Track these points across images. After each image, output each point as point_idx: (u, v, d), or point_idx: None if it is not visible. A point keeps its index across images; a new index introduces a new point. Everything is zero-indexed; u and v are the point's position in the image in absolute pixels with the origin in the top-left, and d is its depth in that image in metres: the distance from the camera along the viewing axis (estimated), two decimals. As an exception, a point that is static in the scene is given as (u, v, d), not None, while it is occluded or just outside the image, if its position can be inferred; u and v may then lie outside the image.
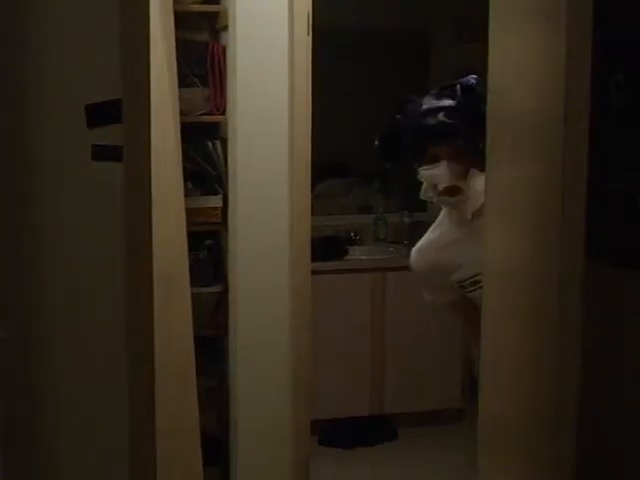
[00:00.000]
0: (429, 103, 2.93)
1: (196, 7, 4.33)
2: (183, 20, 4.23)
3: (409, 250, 5.85)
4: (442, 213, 3.25)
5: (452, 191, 2.96)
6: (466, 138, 2.88)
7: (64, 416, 2.51)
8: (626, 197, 2.68)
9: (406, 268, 5.73)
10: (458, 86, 2.97)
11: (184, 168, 4.04)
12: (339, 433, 5.50)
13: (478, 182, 2.87)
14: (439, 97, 2.94)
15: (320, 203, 5.44)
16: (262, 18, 4.04)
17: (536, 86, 2.90)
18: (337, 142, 6.05)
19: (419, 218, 6.12)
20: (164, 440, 2.89)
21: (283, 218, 4.09)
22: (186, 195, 4.07)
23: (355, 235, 6.03)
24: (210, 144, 4.44)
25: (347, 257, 5.69)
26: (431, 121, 2.88)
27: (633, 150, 2.63)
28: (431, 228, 3.31)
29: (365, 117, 6.31)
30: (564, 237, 2.75)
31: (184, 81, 4.21)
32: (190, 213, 4.09)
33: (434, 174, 2.93)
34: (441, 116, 2.87)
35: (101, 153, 2.36)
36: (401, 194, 6.33)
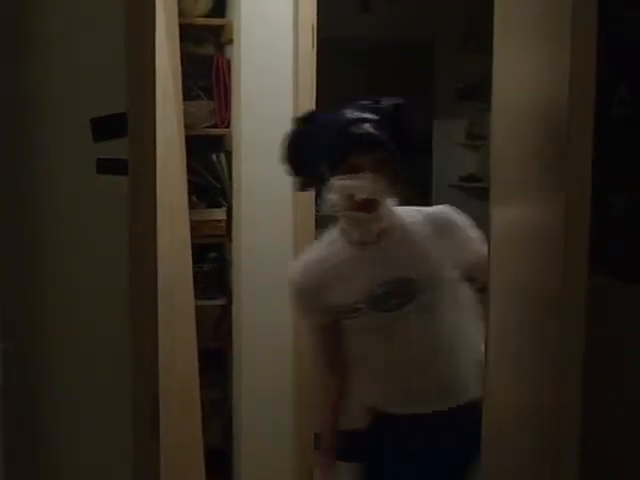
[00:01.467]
0: (352, 114, 2.78)
1: (201, 20, 4.34)
2: (188, 33, 4.24)
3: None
4: (335, 231, 2.94)
5: (370, 205, 2.74)
6: (390, 154, 2.78)
7: (66, 430, 2.51)
8: (628, 209, 2.69)
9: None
10: (384, 102, 2.90)
11: (188, 181, 4.05)
12: (343, 445, 5.47)
13: (389, 202, 2.85)
14: (362, 110, 2.82)
15: (325, 215, 5.45)
16: (267, 31, 4.06)
17: (539, 99, 2.91)
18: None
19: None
20: (168, 452, 2.89)
21: (287, 230, 4.10)
22: (190, 208, 4.08)
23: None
24: (214, 157, 4.45)
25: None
26: (356, 130, 2.72)
27: (635, 163, 2.64)
28: (320, 244, 3.01)
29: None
30: (567, 252, 2.75)
31: (189, 94, 4.22)
32: (194, 226, 4.09)
33: (354, 184, 2.70)
34: (367, 126, 2.73)
35: (106, 166, 2.37)
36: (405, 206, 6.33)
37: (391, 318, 2.79)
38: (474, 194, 6.26)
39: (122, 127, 2.34)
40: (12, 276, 2.36)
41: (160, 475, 2.77)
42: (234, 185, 4.29)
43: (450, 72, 6.29)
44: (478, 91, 6.15)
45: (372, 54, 6.20)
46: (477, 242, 2.88)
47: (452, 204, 6.33)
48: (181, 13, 4.06)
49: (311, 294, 2.91)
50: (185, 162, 4.00)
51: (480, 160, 6.35)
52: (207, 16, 4.37)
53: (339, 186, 2.72)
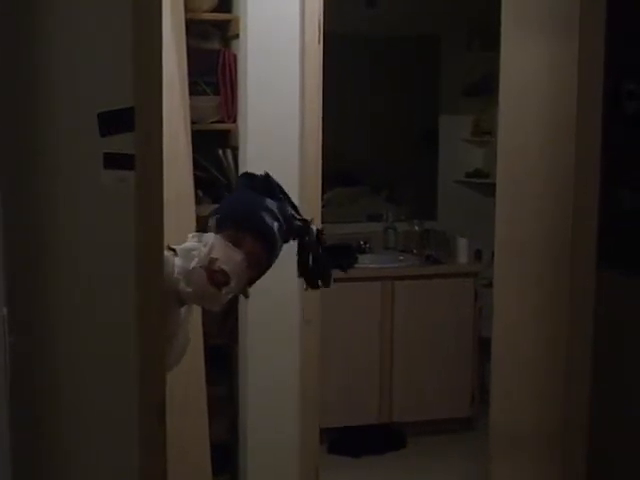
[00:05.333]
0: (272, 204, 2.62)
1: (207, 15, 4.33)
2: (194, 28, 4.23)
3: (419, 259, 5.90)
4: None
5: (223, 278, 2.52)
6: (269, 261, 2.66)
7: (72, 426, 2.51)
8: (637, 205, 2.68)
9: (416, 277, 5.78)
10: (299, 223, 2.72)
11: (195, 176, 4.04)
12: (348, 441, 5.48)
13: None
14: (282, 210, 2.65)
15: (330, 211, 5.44)
16: (273, 26, 4.05)
17: (548, 95, 2.90)
18: (346, 150, 6.04)
19: (429, 226, 6.13)
20: (174, 448, 2.89)
21: (293, 226, 4.09)
22: (197, 203, 4.07)
23: (365, 243, 6.02)
24: (221, 152, 4.44)
25: (357, 265, 5.68)
26: (268, 220, 2.57)
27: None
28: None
29: (375, 126, 6.32)
30: (576, 250, 2.75)
31: (195, 89, 4.21)
32: (201, 221, 4.09)
33: (231, 254, 2.51)
34: (277, 225, 2.58)
35: (113, 161, 2.36)
36: (411, 203, 6.33)
37: None
38: (480, 190, 6.25)
39: (129, 122, 2.33)
40: (17, 272, 2.35)
41: (167, 471, 2.77)
42: (240, 180, 4.28)
43: (456, 68, 6.27)
44: (484, 87, 6.13)
45: (377, 49, 6.18)
46: None
47: (458, 200, 6.36)
48: (187, 8, 4.06)
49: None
50: (191, 157, 3.99)
51: (486, 156, 6.34)
52: (213, 11, 4.36)
53: (218, 245, 2.53)
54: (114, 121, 2.33)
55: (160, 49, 2.59)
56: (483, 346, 5.32)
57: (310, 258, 2.69)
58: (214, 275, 2.46)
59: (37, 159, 2.30)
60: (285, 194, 2.67)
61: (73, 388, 2.47)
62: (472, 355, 5.70)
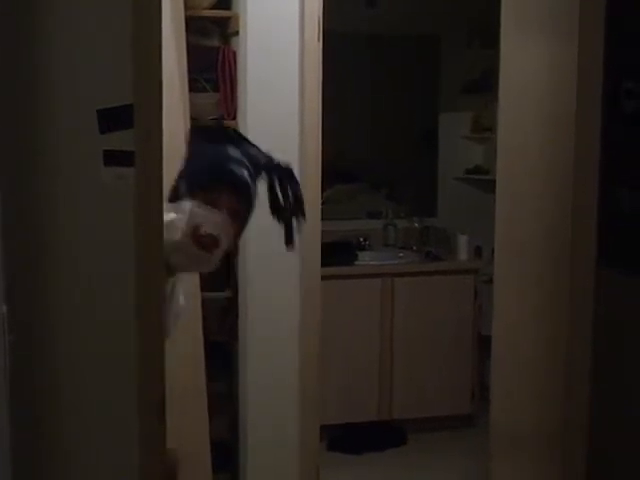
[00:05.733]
0: (235, 152, 2.54)
1: (207, 12, 4.33)
2: (194, 25, 4.23)
3: (418, 255, 5.91)
4: None
5: (211, 241, 2.46)
6: (248, 211, 2.55)
7: (72, 423, 2.51)
8: (636, 204, 2.68)
9: (416, 274, 5.78)
10: (273, 160, 2.61)
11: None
12: (348, 438, 5.48)
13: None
14: (245, 153, 2.56)
15: (329, 208, 5.44)
16: (273, 24, 4.05)
17: (547, 94, 2.90)
18: (346, 148, 6.05)
19: (429, 223, 6.13)
20: (174, 445, 2.89)
21: (293, 223, 4.09)
22: (196, 200, 4.07)
23: (365, 240, 6.02)
24: (220, 149, 4.44)
25: (357, 262, 5.68)
26: (237, 170, 2.49)
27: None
28: None
29: (375, 124, 6.32)
30: (575, 248, 2.75)
31: (195, 86, 4.21)
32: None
33: (212, 216, 2.45)
34: (246, 173, 2.49)
35: (113, 158, 2.36)
36: (410, 200, 6.33)
37: None
38: (480, 186, 6.25)
39: (128, 119, 2.33)
40: (17, 270, 2.35)
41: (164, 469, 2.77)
42: (240, 178, 4.29)
43: (456, 66, 6.27)
44: (484, 83, 6.13)
45: (378, 48, 6.18)
46: None
47: (458, 196, 6.36)
48: (187, 5, 4.06)
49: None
50: (191, 155, 3.98)
51: (486, 152, 6.34)
52: (213, 8, 4.36)
53: (193, 212, 2.47)
54: (113, 118, 2.33)
55: (160, 46, 2.59)
56: (483, 343, 5.32)
57: (280, 195, 2.57)
58: (202, 240, 2.44)
59: (36, 157, 2.30)
60: (241, 135, 2.60)
61: (73, 386, 2.47)
62: (472, 352, 5.70)
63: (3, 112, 2.26)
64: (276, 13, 4.03)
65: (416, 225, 6.14)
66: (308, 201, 4.05)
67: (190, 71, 4.07)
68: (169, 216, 2.46)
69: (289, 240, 2.61)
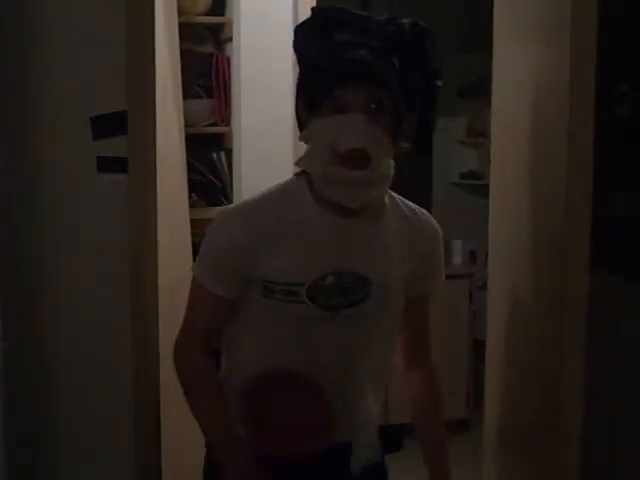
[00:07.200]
0: (348, 37, 2.00)
1: (201, 19, 4.33)
2: (188, 31, 4.23)
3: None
4: (301, 186, 2.14)
5: (359, 160, 1.93)
6: (392, 94, 1.99)
7: (68, 426, 2.51)
8: (630, 208, 2.68)
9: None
10: (402, 22, 2.11)
11: (189, 179, 4.04)
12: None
13: (388, 163, 2.09)
14: (366, 33, 2.02)
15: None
16: (266, 29, 4.05)
17: (540, 98, 2.90)
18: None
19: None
20: (169, 452, 2.89)
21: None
22: (191, 206, 4.07)
23: (359, 245, 6.01)
24: (215, 155, 4.45)
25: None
26: (349, 54, 1.94)
27: (638, 160, 2.64)
28: (270, 194, 2.15)
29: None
30: (568, 252, 2.75)
31: (189, 92, 4.21)
32: (195, 224, 4.09)
33: (339, 127, 1.93)
34: (364, 52, 1.94)
35: (106, 165, 2.37)
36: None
37: (323, 318, 2.04)
38: (474, 191, 6.25)
39: (122, 125, 2.34)
40: (12, 275, 2.36)
41: (162, 469, 2.78)
42: (234, 183, 4.28)
43: (450, 70, 6.28)
44: (480, 87, 6.14)
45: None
46: (438, 285, 2.40)
47: (452, 201, 6.36)
48: (181, 11, 4.06)
49: (237, 252, 2.00)
50: (185, 160, 3.99)
51: (481, 157, 6.35)
52: (207, 14, 4.36)
53: (318, 129, 2.00)
54: (107, 124, 2.34)
55: (153, 53, 2.60)
56: (478, 348, 5.32)
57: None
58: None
59: (30, 162, 2.31)
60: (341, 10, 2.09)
61: (67, 389, 2.48)
62: (467, 356, 5.70)
63: (-3, 119, 2.26)
64: (269, 19, 4.04)
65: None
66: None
67: (184, 77, 4.07)
68: (311, 143, 2.09)
69: (426, 139, 2.24)
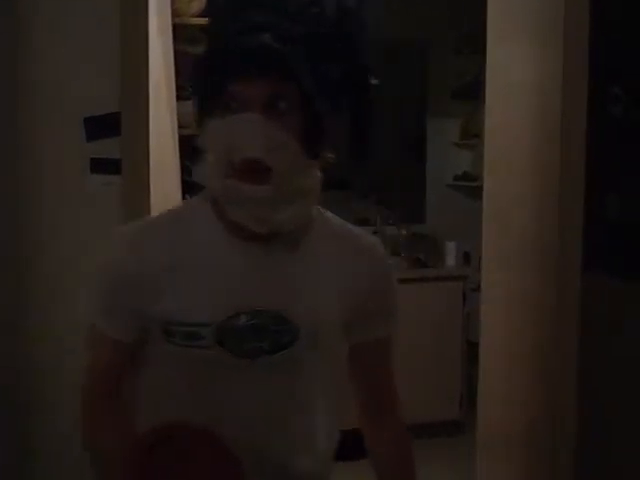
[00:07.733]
0: (250, 20, 1.54)
1: (195, 20, 4.33)
2: (182, 33, 4.23)
3: (407, 262, 5.90)
4: (202, 204, 1.68)
5: (255, 171, 1.53)
6: (304, 85, 1.54)
7: (65, 428, 2.50)
8: (623, 208, 2.69)
9: (404, 280, 5.75)
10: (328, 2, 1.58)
11: (183, 181, 4.04)
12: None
13: (309, 177, 1.70)
14: (282, 15, 1.54)
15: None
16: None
17: (533, 100, 2.91)
18: (335, 154, 6.04)
19: (417, 230, 6.13)
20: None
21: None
22: (184, 207, 4.07)
23: (353, 247, 6.01)
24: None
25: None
26: (247, 41, 1.52)
27: (631, 161, 2.64)
28: (168, 217, 1.72)
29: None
30: (561, 253, 2.76)
31: (182, 94, 4.21)
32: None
33: (233, 128, 1.53)
34: (267, 37, 1.50)
35: (100, 166, 2.37)
36: (399, 206, 6.33)
37: (237, 367, 1.64)
38: (468, 193, 6.26)
39: (116, 127, 2.34)
40: (4, 276, 2.35)
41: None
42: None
43: (445, 71, 6.29)
44: (474, 89, 6.15)
45: (370, 54, 6.19)
46: (388, 330, 2.03)
47: (446, 203, 6.36)
48: (175, 13, 4.06)
49: (130, 287, 1.64)
50: (179, 162, 3.98)
51: (475, 159, 6.35)
52: (201, 16, 4.36)
53: (212, 134, 1.58)
54: (100, 126, 2.34)
55: (146, 54, 2.59)
56: (471, 349, 5.32)
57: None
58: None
59: (22, 164, 2.30)
60: None
61: (59, 393, 2.47)
62: (460, 358, 5.70)
63: (-10, 120, 2.26)
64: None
65: (404, 232, 6.14)
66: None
67: (177, 79, 4.07)
68: (205, 147, 1.63)
69: (361, 138, 1.75)
